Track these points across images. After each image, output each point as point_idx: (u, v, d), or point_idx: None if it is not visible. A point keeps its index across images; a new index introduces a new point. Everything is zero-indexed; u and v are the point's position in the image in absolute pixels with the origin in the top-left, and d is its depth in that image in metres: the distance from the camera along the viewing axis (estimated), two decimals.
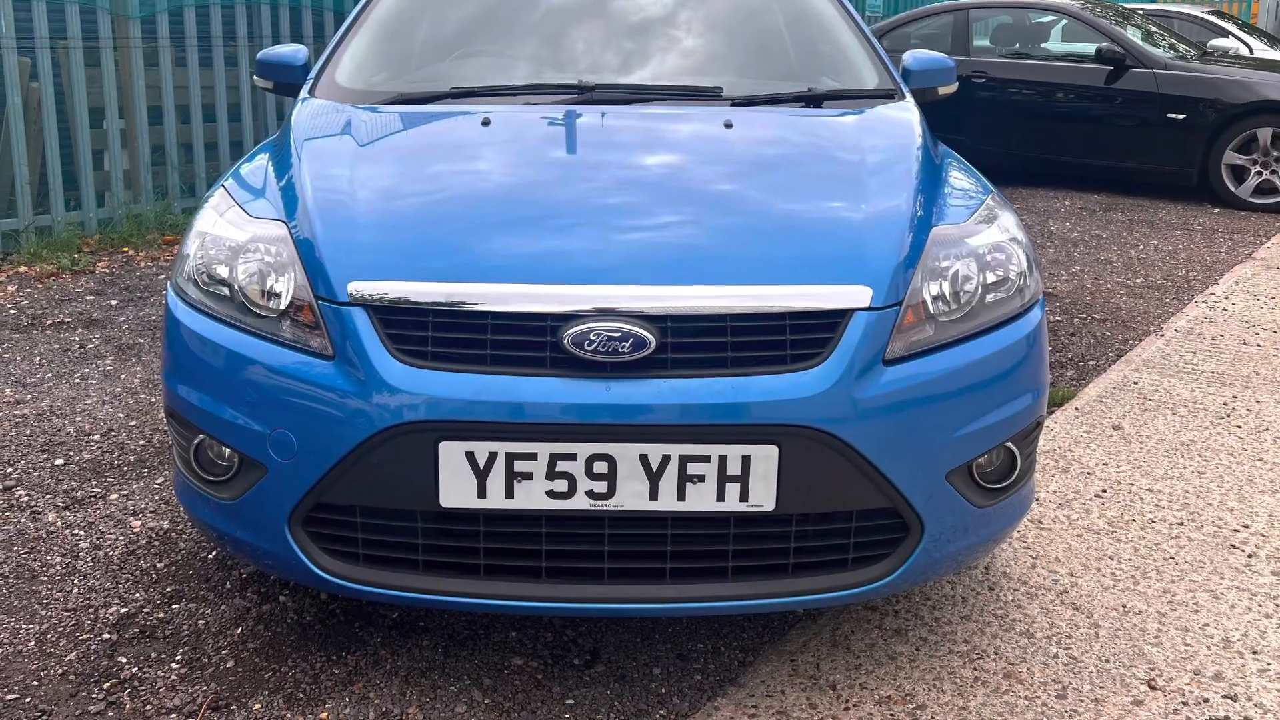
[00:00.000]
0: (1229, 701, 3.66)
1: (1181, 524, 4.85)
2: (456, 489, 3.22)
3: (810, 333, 3.30)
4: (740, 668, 3.80)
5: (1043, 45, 15.08)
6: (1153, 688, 3.73)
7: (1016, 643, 3.95)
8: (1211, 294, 8.98)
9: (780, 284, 3.36)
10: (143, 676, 3.70)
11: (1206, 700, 3.67)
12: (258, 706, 3.56)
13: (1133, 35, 13.67)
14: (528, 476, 3.20)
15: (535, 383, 3.19)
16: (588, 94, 4.61)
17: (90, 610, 4.06)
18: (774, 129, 4.47)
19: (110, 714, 3.50)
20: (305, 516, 3.36)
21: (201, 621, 4.00)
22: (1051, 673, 3.79)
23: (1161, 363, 7.11)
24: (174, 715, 3.50)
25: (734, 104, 4.61)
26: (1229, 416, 6.17)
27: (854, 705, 3.59)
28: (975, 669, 3.80)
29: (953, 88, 5.41)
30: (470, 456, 3.19)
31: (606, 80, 4.81)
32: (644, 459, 3.18)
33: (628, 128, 4.39)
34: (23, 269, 8.88)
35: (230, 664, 3.77)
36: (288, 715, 3.52)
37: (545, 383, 3.19)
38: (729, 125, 4.29)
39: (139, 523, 4.71)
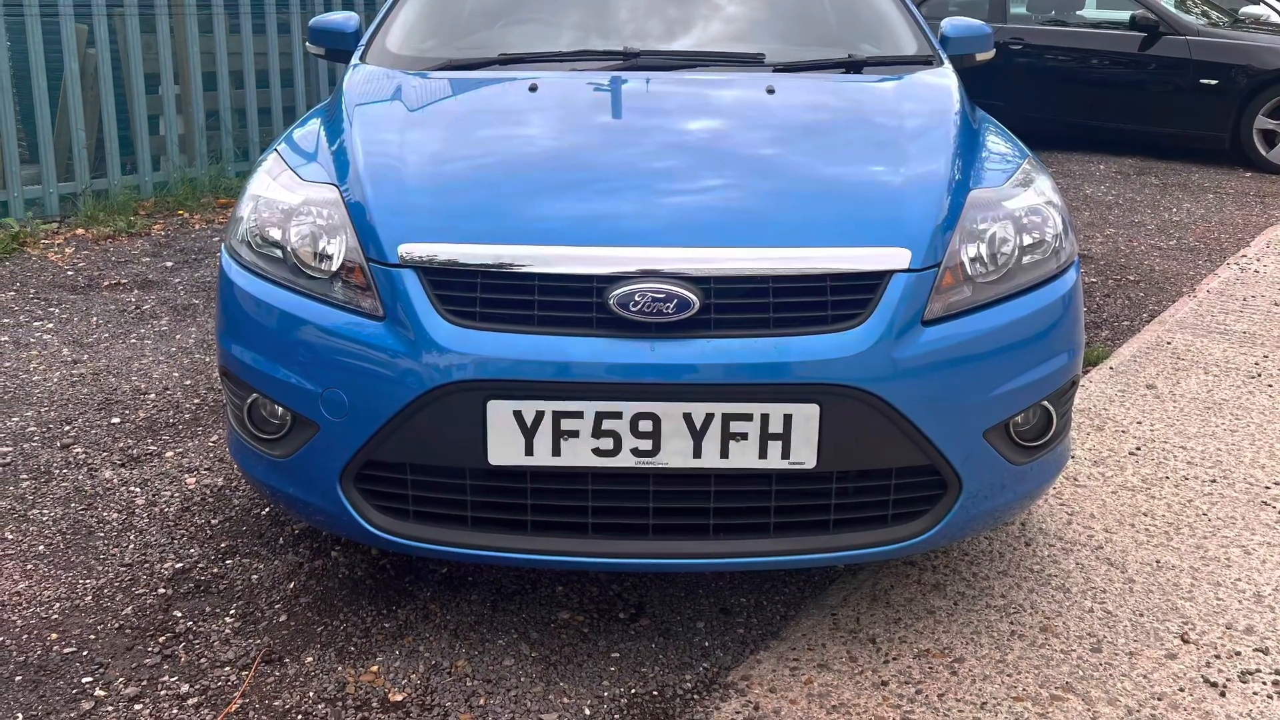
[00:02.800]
0: (1260, 655, 3.64)
1: (1214, 481, 4.81)
2: (504, 447, 3.22)
3: (850, 294, 3.28)
4: (782, 621, 3.80)
5: (1078, 12, 14.98)
6: (1185, 641, 3.70)
7: (1052, 597, 3.93)
8: (1243, 256, 8.91)
9: (821, 246, 3.34)
10: (197, 630, 3.70)
11: (1238, 654, 3.64)
12: (310, 659, 3.56)
13: (1166, 3, 13.55)
14: (574, 434, 3.20)
15: (581, 343, 3.19)
16: (633, 60, 4.58)
17: (146, 566, 4.07)
18: (814, 95, 4.44)
19: (165, 666, 3.51)
20: (356, 474, 3.36)
21: (255, 576, 4.01)
22: (1086, 626, 3.77)
23: (1194, 323, 7.06)
24: (227, 668, 3.51)
25: (776, 70, 4.58)
26: (1260, 376, 6.12)
27: (893, 658, 3.58)
28: (1012, 623, 3.78)
29: (990, 54, 5.37)
30: (518, 415, 3.19)
31: (651, 47, 4.78)
32: (688, 417, 3.17)
33: (672, 93, 4.37)
34: (80, 232, 8.90)
35: (283, 618, 3.77)
36: (339, 668, 3.52)
37: (591, 343, 3.19)
38: (771, 91, 4.27)
39: (194, 480, 4.72)
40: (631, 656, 3.60)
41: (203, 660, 3.54)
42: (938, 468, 3.36)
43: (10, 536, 4.24)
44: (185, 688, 3.42)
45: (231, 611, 3.80)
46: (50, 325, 6.70)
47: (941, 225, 3.47)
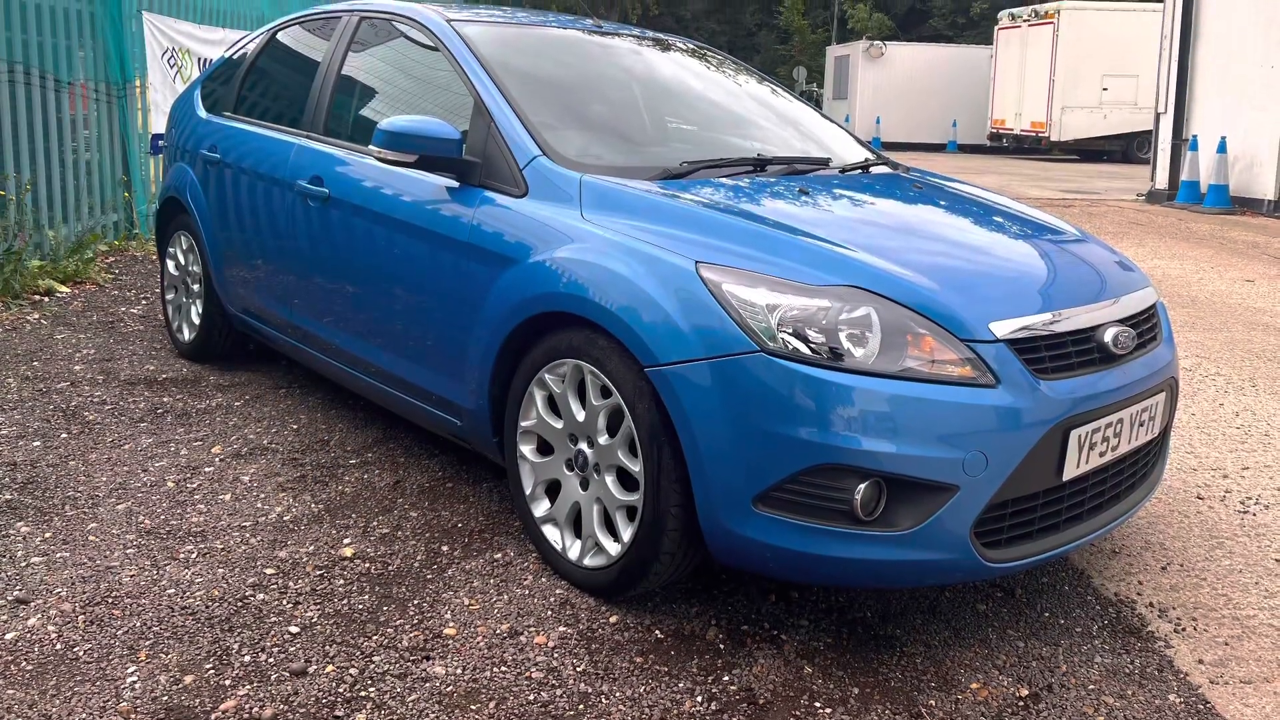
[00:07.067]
0: None
1: None
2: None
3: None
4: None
5: None
6: None
7: None
8: None
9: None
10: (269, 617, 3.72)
11: None
12: (331, 669, 3.46)
13: None
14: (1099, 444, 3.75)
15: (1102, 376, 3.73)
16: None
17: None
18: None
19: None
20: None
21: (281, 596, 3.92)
22: None
23: None
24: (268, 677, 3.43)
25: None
26: None
27: None
28: None
29: None
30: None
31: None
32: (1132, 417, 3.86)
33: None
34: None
35: (304, 632, 3.68)
36: (361, 681, 3.43)
37: (1105, 375, 3.75)
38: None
39: (282, 495, 4.76)
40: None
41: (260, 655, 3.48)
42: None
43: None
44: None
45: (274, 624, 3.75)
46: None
47: None
